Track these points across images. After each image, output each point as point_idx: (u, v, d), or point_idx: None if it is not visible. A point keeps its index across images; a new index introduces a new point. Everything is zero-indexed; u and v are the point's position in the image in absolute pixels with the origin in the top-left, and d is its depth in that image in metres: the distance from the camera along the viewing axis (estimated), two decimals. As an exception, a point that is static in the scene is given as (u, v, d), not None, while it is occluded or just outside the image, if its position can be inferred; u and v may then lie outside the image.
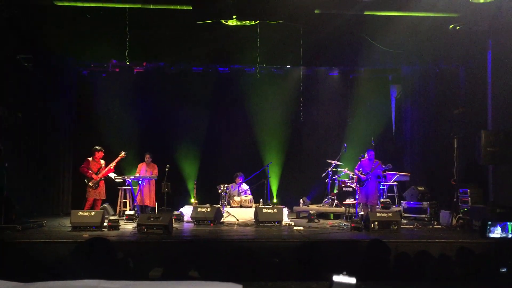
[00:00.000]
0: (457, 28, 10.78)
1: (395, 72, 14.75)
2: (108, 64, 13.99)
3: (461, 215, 10.32)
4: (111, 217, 10.23)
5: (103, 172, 11.32)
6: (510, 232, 8.08)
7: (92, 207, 11.02)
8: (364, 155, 11.38)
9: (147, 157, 12.17)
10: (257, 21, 10.72)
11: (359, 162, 11.40)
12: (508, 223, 8.11)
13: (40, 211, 12.49)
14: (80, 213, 9.72)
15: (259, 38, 11.40)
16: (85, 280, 1.32)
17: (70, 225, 9.53)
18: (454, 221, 10.27)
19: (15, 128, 11.71)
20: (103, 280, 1.40)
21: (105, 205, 11.53)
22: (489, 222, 8.12)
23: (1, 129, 10.80)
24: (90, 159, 11.39)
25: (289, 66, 14.33)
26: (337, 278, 0.98)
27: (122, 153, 11.49)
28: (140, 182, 11.76)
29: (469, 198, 10.75)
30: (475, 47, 11.69)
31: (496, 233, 8.08)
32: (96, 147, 11.51)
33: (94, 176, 11.18)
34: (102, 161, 11.50)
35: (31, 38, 11.61)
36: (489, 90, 11.47)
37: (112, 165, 11.41)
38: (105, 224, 9.61)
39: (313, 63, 14.02)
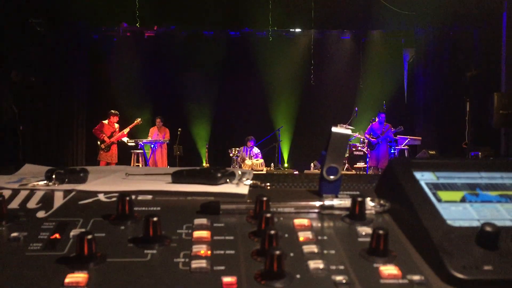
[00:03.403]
0: (472, -12, 10.59)
1: (408, 35, 14.56)
2: (119, 28, 13.97)
3: (471, 178, 10.26)
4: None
5: (116, 136, 11.42)
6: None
7: (105, 171, 11.16)
8: (375, 118, 11.34)
9: (158, 121, 12.23)
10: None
11: (369, 126, 11.37)
12: None
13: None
14: (94, 175, 9.88)
15: (271, 1, 11.30)
16: (113, 165, 1.42)
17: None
18: (464, 184, 10.24)
19: (29, 92, 11.80)
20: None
21: (118, 168, 11.67)
22: None
23: (15, 93, 10.90)
24: (105, 122, 11.48)
25: (300, 30, 14.21)
26: (335, 129, 1.05)
27: (138, 120, 11.55)
28: (152, 145, 11.87)
29: (480, 161, 10.63)
30: (490, 8, 11.47)
31: None
32: (112, 111, 11.56)
33: (106, 139, 11.29)
34: (117, 125, 11.59)
35: (43, 1, 11.60)
36: (503, 52, 11.29)
37: (126, 130, 11.51)
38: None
39: (325, 27, 13.90)
